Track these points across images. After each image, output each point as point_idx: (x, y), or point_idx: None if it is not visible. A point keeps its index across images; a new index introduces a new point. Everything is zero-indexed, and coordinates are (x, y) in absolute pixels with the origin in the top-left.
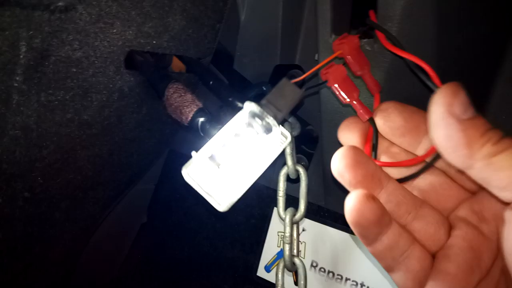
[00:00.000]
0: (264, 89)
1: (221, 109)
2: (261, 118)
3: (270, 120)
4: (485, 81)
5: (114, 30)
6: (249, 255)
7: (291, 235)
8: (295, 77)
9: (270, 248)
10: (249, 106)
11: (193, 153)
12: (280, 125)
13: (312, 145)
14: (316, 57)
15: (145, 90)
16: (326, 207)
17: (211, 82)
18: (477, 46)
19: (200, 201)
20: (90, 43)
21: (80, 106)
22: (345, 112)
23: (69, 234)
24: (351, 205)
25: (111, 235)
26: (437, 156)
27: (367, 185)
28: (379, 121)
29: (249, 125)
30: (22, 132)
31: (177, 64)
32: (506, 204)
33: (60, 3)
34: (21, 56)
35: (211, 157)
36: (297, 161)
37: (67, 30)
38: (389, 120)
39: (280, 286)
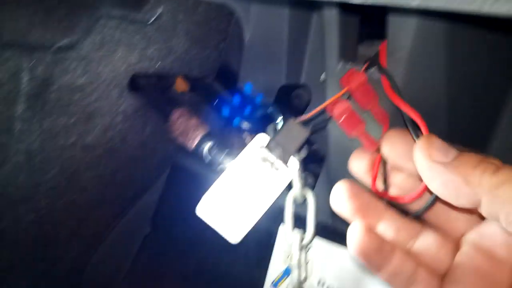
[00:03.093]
0: (270, 111)
1: (225, 129)
2: (269, 161)
3: (278, 162)
4: (494, 109)
5: (118, 55)
6: (254, 270)
7: (299, 259)
8: (301, 96)
9: (276, 264)
10: (259, 150)
11: (206, 194)
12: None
13: (318, 164)
14: (322, 78)
15: (149, 111)
16: (333, 225)
17: (215, 102)
18: (487, 77)
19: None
20: (93, 69)
21: (83, 130)
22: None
23: (74, 252)
24: (351, 238)
25: (114, 249)
26: None
27: (365, 216)
28: (386, 149)
29: (258, 166)
30: (25, 158)
31: (179, 84)
32: None
33: (63, 42)
34: (23, 86)
35: (222, 194)
36: (304, 180)
37: (70, 58)
38: (394, 148)
39: None
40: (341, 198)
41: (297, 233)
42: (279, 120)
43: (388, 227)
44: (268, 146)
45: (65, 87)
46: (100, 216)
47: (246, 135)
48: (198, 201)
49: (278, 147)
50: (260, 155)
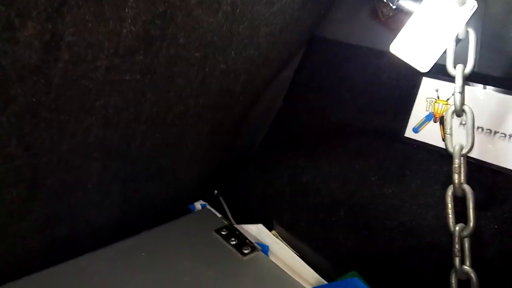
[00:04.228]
0: None
1: None
2: None
3: None
4: None
5: None
6: (395, 120)
7: (463, 86)
8: None
9: (417, 113)
10: None
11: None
12: None
13: None
14: None
15: None
16: (478, 70)
17: None
18: None
19: (339, 81)
20: None
21: None
22: None
23: (240, 106)
24: None
25: (259, 112)
26: None
27: None
28: None
29: (443, 4)
30: (231, 9)
31: None
32: None
33: None
34: None
35: (411, 32)
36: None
37: None
38: None
39: (449, 128)
40: None
41: (459, 66)
42: None
43: None
44: None
45: None
46: (263, 75)
47: None
48: (334, 67)
49: None
50: None
